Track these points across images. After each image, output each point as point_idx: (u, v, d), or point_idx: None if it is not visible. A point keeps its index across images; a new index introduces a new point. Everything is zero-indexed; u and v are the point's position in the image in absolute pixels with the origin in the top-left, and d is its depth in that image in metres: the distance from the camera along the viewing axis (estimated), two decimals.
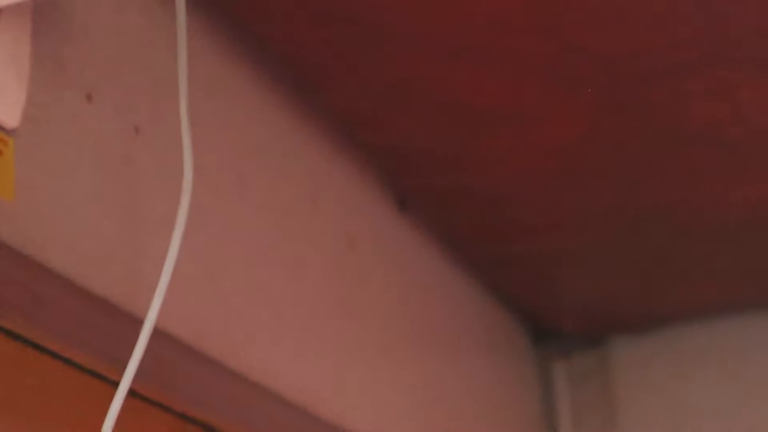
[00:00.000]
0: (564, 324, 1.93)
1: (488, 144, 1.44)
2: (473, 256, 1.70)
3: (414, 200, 1.46)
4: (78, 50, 0.97)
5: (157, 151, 1.01)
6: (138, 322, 0.87)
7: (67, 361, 0.90)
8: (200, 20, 1.14)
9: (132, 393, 0.84)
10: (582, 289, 1.84)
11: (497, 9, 1.17)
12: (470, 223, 1.62)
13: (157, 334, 0.88)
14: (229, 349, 1.11)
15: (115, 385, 0.83)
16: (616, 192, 1.57)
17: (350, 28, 1.19)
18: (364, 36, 1.21)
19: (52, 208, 0.91)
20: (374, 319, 1.41)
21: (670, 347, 2.11)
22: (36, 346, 0.87)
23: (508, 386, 1.78)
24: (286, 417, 1.20)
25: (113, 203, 0.98)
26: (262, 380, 1.16)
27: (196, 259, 1.05)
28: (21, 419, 0.87)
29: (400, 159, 1.45)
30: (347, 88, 1.31)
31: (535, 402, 1.99)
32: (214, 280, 1.11)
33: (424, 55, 1.24)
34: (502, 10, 1.18)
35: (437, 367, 1.60)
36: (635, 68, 1.30)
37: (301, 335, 1.27)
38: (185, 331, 1.04)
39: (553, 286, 1.82)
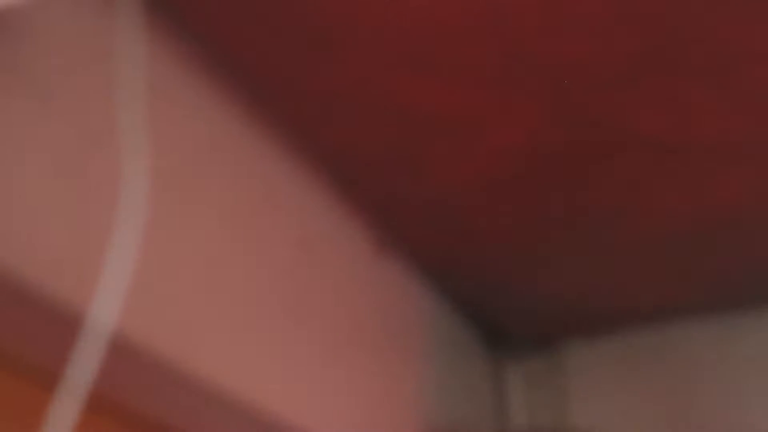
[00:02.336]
0: (516, 328, 1.94)
1: (435, 150, 1.44)
2: (425, 261, 1.71)
3: (367, 206, 1.46)
4: (32, 55, 0.97)
5: (110, 155, 1.00)
6: (85, 324, 0.87)
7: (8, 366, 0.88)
8: (155, 25, 1.14)
9: (78, 398, 0.84)
10: (534, 293, 1.84)
11: (444, 16, 1.18)
12: (421, 229, 1.63)
13: (106, 336, 0.88)
14: (180, 351, 1.10)
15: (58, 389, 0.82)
16: (564, 197, 1.58)
17: (298, 34, 1.20)
18: (312, 42, 1.22)
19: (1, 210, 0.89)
20: (325, 321, 1.43)
21: (623, 350, 2.11)
22: None
23: (461, 389, 1.78)
24: (235, 417, 1.22)
25: (65, 206, 0.98)
26: (213, 381, 1.16)
27: (149, 261, 1.03)
28: None
29: (348, 164, 1.45)
30: (295, 93, 1.32)
31: (488, 404, 1.99)
32: (166, 282, 1.11)
33: (370, 61, 1.25)
34: (449, 18, 1.18)
35: (389, 369, 1.61)
36: (582, 76, 1.31)
37: (253, 336, 1.28)
38: (135, 332, 1.03)
39: (505, 290, 1.82)
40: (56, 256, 0.95)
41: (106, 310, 0.85)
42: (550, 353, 2.07)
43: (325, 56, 1.28)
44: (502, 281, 1.75)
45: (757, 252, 1.74)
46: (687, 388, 2.06)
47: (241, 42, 1.24)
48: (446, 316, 1.77)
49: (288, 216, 1.38)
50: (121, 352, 0.99)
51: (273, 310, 1.31)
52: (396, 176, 1.48)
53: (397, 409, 1.62)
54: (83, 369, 0.84)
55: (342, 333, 1.45)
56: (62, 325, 0.92)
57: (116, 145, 0.95)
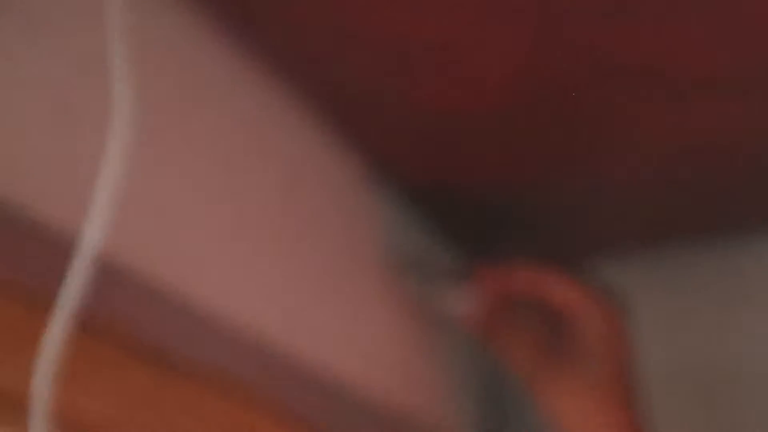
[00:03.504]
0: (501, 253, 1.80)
1: (420, 82, 1.42)
2: (414, 190, 1.69)
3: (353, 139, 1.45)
4: None
5: (100, 85, 0.99)
6: (76, 247, 0.89)
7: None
8: None
9: (70, 320, 0.86)
10: (521, 220, 1.80)
11: None
12: (408, 159, 1.61)
13: (96, 258, 0.90)
14: (169, 272, 1.14)
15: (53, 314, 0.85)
16: (550, 126, 1.54)
17: None
18: None
19: None
20: (312, 246, 1.47)
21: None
22: None
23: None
24: (222, 337, 1.25)
25: (57, 133, 1.01)
26: (203, 303, 1.20)
27: (137, 185, 1.04)
28: None
29: (333, 99, 1.44)
30: (283, 31, 1.32)
31: None
32: (156, 205, 1.14)
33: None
34: None
35: (379, 290, 1.63)
36: (569, 3, 1.27)
37: (240, 257, 1.31)
38: (128, 256, 1.08)
39: (490, 214, 1.76)
40: (48, 180, 0.98)
41: (96, 232, 0.87)
42: None
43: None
44: (488, 204, 1.71)
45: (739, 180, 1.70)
46: (680, 309, 1.95)
47: None
48: (431, 240, 1.73)
49: (277, 142, 1.40)
50: (111, 275, 1.01)
51: (262, 234, 1.34)
52: (383, 109, 1.48)
53: (392, 332, 1.61)
54: (75, 291, 0.86)
55: (329, 258, 1.48)
56: (53, 247, 0.95)
57: (106, 75, 0.94)
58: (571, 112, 1.49)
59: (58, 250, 0.94)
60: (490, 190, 1.66)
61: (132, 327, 1.07)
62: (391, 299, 1.58)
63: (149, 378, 1.09)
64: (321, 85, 1.42)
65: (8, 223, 0.93)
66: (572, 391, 1.57)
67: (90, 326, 0.95)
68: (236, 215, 1.28)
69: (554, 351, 1.60)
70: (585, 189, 1.68)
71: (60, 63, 1.03)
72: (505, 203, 1.70)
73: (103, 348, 1.02)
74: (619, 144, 1.57)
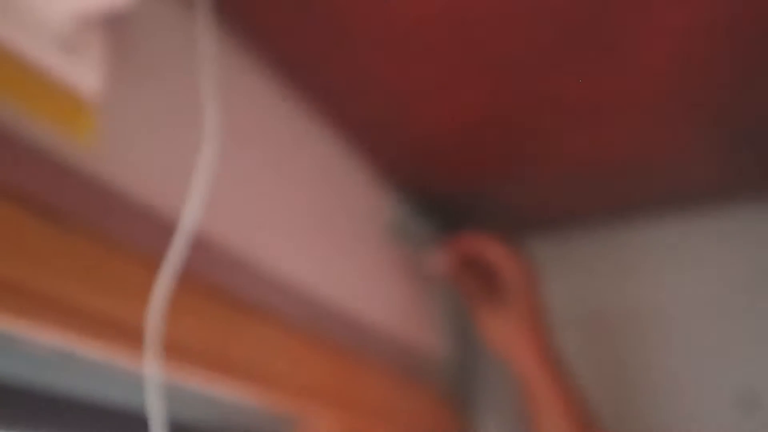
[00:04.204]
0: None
1: (412, 109, 1.36)
2: (411, 190, 1.63)
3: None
4: (135, 45, 0.97)
5: (196, 115, 0.97)
6: (179, 223, 0.90)
7: (120, 251, 0.91)
8: (224, 24, 1.14)
9: (174, 276, 0.86)
10: (496, 204, 1.70)
11: (419, 11, 1.12)
12: (408, 165, 1.53)
13: (193, 232, 0.92)
14: (246, 243, 1.14)
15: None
16: (510, 141, 1.47)
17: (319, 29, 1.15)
18: (334, 41, 1.17)
19: (123, 148, 0.93)
20: (338, 226, 1.42)
21: (562, 247, 1.88)
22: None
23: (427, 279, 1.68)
24: (283, 289, 1.21)
25: (169, 146, 1.00)
26: (273, 267, 1.19)
27: (223, 177, 1.07)
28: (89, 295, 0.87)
29: (354, 124, 1.39)
30: (318, 73, 1.26)
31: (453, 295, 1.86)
32: (236, 193, 1.13)
33: (362, 52, 1.20)
34: (423, 9, 1.12)
35: (377, 257, 1.57)
36: (515, 59, 1.24)
37: (292, 233, 1.27)
38: (214, 230, 1.07)
39: (472, 201, 1.69)
40: (161, 177, 0.98)
41: (193, 211, 0.88)
42: None
43: (340, 53, 1.19)
44: (456, 198, 1.65)
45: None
46: (586, 271, 1.85)
47: (282, 34, 1.16)
48: (418, 221, 1.69)
49: (313, 155, 1.36)
50: (203, 241, 1.03)
51: (303, 216, 1.31)
52: (389, 134, 1.43)
53: (391, 280, 1.58)
54: (178, 253, 0.86)
55: (350, 233, 1.44)
56: (163, 221, 0.96)
57: (199, 109, 0.94)
58: (517, 135, 1.46)
59: (167, 223, 0.96)
60: (458, 188, 1.63)
61: (215, 280, 1.07)
62: (391, 259, 1.60)
63: (227, 318, 1.08)
64: (346, 114, 1.39)
65: (132, 207, 0.94)
66: (500, 320, 1.60)
67: (186, 279, 0.96)
68: (284, 201, 1.27)
69: (490, 293, 1.64)
70: (522, 186, 1.65)
71: (168, 94, 1.02)
72: (467, 198, 1.66)
73: (195, 295, 1.02)
74: (546, 157, 1.54)
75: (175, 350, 0.96)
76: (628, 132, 1.45)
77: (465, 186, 1.62)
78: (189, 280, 0.98)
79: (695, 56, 1.24)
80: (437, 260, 1.61)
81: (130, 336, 0.88)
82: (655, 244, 1.82)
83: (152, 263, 0.90)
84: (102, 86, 0.88)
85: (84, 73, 0.85)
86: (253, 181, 1.19)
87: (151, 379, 0.81)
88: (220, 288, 1.08)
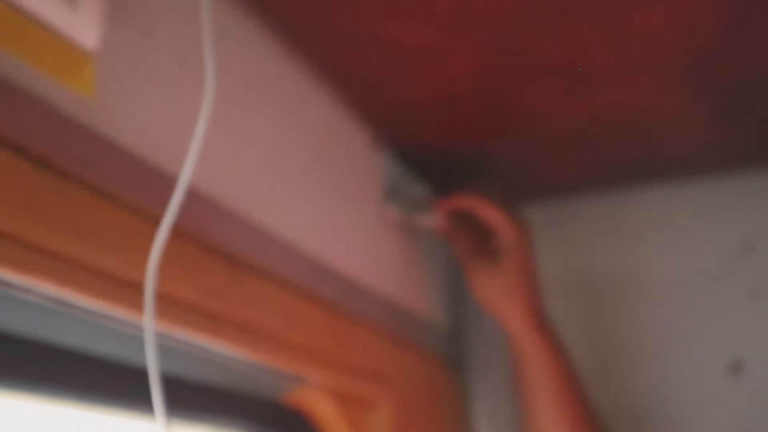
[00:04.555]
0: None
1: (413, 73, 1.36)
2: (409, 154, 1.63)
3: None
4: None
5: (194, 69, 0.99)
6: (177, 180, 0.89)
7: (117, 204, 0.90)
8: None
9: (171, 230, 0.85)
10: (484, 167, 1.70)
11: None
12: (403, 128, 1.53)
13: (190, 189, 0.91)
14: (243, 200, 1.13)
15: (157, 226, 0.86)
16: (503, 105, 1.49)
17: None
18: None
19: (121, 101, 0.92)
20: (332, 185, 1.42)
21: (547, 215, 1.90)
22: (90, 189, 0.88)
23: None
24: (279, 247, 1.21)
25: (168, 103, 0.99)
26: (270, 225, 1.19)
27: (221, 135, 1.08)
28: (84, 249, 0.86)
29: (353, 84, 1.39)
30: (319, 35, 1.26)
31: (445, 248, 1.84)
32: (229, 153, 1.13)
33: (367, 11, 1.18)
34: None
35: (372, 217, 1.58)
36: (512, 21, 1.23)
37: (286, 191, 1.27)
38: (211, 186, 1.07)
39: (462, 166, 1.69)
40: (160, 131, 0.98)
41: (189, 167, 0.87)
42: None
43: (339, 15, 1.19)
44: (450, 161, 1.65)
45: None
46: (577, 238, 1.88)
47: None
48: (415, 181, 1.68)
49: (311, 113, 1.36)
50: (199, 197, 1.03)
51: (301, 177, 1.31)
52: (386, 94, 1.43)
53: (387, 241, 1.59)
54: (174, 208, 0.85)
55: (348, 194, 1.45)
56: (161, 175, 0.96)
57: (199, 65, 0.94)
58: (510, 99, 1.47)
59: (165, 177, 0.97)
60: (453, 150, 1.63)
61: (212, 236, 1.07)
62: (387, 220, 1.59)
63: (223, 274, 1.08)
64: (344, 76, 1.39)
65: (130, 160, 0.93)
66: (493, 279, 1.62)
67: (183, 234, 0.98)
68: (281, 160, 1.28)
69: (484, 252, 1.65)
70: (515, 151, 1.66)
71: (168, 50, 1.02)
72: (461, 160, 1.66)
73: (191, 250, 1.02)
74: (538, 122, 1.55)
75: (172, 305, 0.96)
76: (619, 98, 1.46)
77: (459, 148, 1.62)
78: (187, 236, 0.99)
79: (686, 21, 1.24)
80: (432, 218, 1.61)
81: (128, 290, 0.88)
82: (645, 212, 1.85)
83: (150, 217, 0.90)
84: (101, 39, 0.87)
85: (83, 26, 0.83)
86: (250, 139, 1.19)
87: (149, 333, 0.80)
88: (217, 244, 1.08)
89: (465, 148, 1.62)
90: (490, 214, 1.61)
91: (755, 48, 1.32)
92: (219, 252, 1.08)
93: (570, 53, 1.31)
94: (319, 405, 1.42)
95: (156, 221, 0.86)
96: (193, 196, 0.98)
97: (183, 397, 1.13)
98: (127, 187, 0.91)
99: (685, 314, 1.78)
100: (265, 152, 1.23)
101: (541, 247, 1.74)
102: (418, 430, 1.60)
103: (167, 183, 0.92)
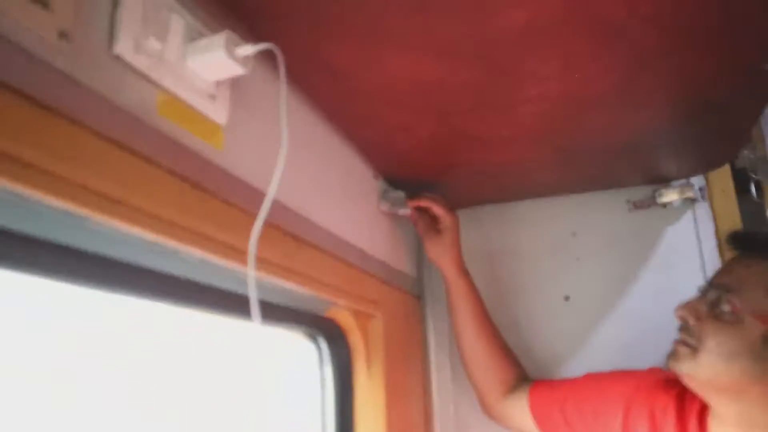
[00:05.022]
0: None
1: (392, 136, 1.31)
2: (383, 168, 1.52)
3: None
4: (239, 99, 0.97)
5: (276, 131, 0.97)
6: (264, 193, 0.90)
7: (233, 207, 0.91)
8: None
9: (263, 222, 0.86)
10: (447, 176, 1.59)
11: None
12: (380, 148, 1.39)
13: (274, 198, 0.92)
14: (301, 204, 1.13)
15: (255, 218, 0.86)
16: (444, 156, 1.44)
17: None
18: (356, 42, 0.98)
19: (237, 151, 0.92)
20: (345, 198, 1.38)
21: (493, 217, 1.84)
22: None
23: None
24: (322, 231, 1.20)
25: (262, 149, 0.97)
26: (313, 216, 1.17)
27: (289, 169, 1.06)
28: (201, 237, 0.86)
29: (345, 115, 1.24)
30: (323, 75, 1.08)
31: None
32: (296, 177, 1.13)
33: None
34: None
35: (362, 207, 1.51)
36: (451, 108, 1.19)
37: (329, 200, 1.26)
38: (284, 197, 1.06)
39: (428, 172, 1.56)
40: (258, 168, 0.96)
41: (274, 187, 0.88)
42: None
43: (350, 106, 1.16)
44: (416, 180, 1.58)
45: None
46: (490, 227, 1.85)
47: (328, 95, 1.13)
48: (396, 190, 1.59)
49: (335, 159, 1.32)
50: (277, 203, 1.03)
51: (331, 191, 1.28)
52: (382, 148, 1.40)
53: (377, 223, 1.54)
54: (265, 209, 0.84)
55: (352, 197, 1.41)
56: (257, 193, 0.94)
57: (277, 132, 0.93)
58: (451, 152, 1.40)
59: (258, 191, 0.95)
60: (418, 178, 1.54)
61: (286, 225, 1.07)
62: (381, 213, 1.56)
63: (293, 246, 1.08)
64: (357, 139, 1.35)
65: (241, 182, 0.92)
66: (438, 247, 1.59)
67: (268, 222, 0.95)
68: (322, 183, 1.24)
69: (434, 231, 1.60)
70: (454, 180, 1.59)
71: (262, 122, 1.00)
72: (424, 182, 1.59)
73: (271, 234, 1.00)
74: (468, 166, 1.49)
75: (262, 261, 0.97)
76: (508, 155, 1.42)
77: (422, 176, 1.56)
78: (270, 224, 0.98)
79: (545, 113, 1.21)
80: (406, 210, 1.58)
81: (237, 255, 0.88)
82: (520, 215, 1.80)
83: (249, 213, 0.90)
84: (228, 117, 0.89)
85: (219, 111, 0.87)
86: (304, 171, 1.17)
87: (251, 277, 0.81)
88: (288, 230, 1.07)
89: (425, 177, 1.57)
90: (438, 209, 1.58)
91: (580, 129, 1.30)
92: (290, 234, 1.08)
93: (482, 128, 1.28)
94: (344, 317, 1.44)
95: (252, 216, 0.86)
96: (275, 202, 0.98)
97: (266, 312, 1.13)
98: (237, 197, 0.91)
99: (540, 270, 1.77)
100: (314, 178, 1.20)
101: (466, 233, 1.75)
102: (398, 333, 1.59)
103: (259, 195, 0.92)
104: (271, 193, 0.85)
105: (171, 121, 0.76)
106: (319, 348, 1.49)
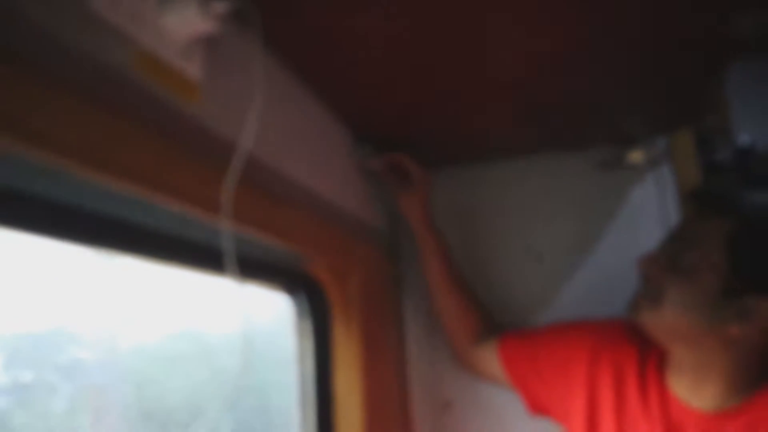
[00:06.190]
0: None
1: (370, 91, 1.28)
2: (357, 123, 1.46)
3: None
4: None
5: (250, 86, 0.96)
6: (238, 145, 0.89)
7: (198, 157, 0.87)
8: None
9: (235, 178, 0.85)
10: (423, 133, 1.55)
11: None
12: (357, 104, 1.35)
13: (247, 152, 0.91)
14: (276, 159, 1.09)
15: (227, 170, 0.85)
16: (418, 110, 1.39)
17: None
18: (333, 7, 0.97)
19: (214, 103, 0.90)
20: (321, 154, 1.36)
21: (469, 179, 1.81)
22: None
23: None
24: (298, 187, 1.18)
25: (233, 99, 0.93)
26: (290, 173, 1.13)
27: (264, 123, 1.02)
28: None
29: (322, 79, 1.22)
30: (306, 47, 1.09)
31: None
32: (272, 132, 1.09)
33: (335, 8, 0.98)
34: None
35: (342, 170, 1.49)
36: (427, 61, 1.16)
37: (306, 154, 1.23)
38: (261, 154, 1.03)
39: (403, 129, 1.51)
40: (233, 119, 0.93)
41: (248, 139, 0.88)
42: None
43: (341, 62, 1.12)
44: (391, 136, 1.53)
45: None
46: (460, 185, 1.81)
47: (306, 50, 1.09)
48: (369, 147, 1.55)
49: (311, 119, 1.29)
50: (252, 159, 0.98)
51: (309, 146, 1.25)
52: (359, 109, 1.38)
53: (352, 176, 1.51)
54: (238, 163, 0.86)
55: (329, 153, 1.39)
56: (225, 144, 0.91)
57: (251, 82, 0.94)
58: (422, 110, 1.39)
59: (227, 145, 0.91)
60: (392, 133, 1.50)
61: (261, 181, 1.05)
62: (354, 168, 1.52)
63: (268, 203, 1.07)
64: (336, 101, 1.33)
65: (215, 133, 0.89)
66: (408, 201, 1.59)
67: (245, 179, 0.93)
68: (300, 137, 1.21)
69: (404, 186, 1.60)
70: (425, 139, 1.57)
71: (238, 79, 0.97)
72: (399, 137, 1.53)
73: (247, 190, 0.98)
74: (441, 123, 1.47)
75: (238, 216, 0.92)
76: (481, 113, 1.41)
77: (396, 134, 1.52)
78: (244, 181, 0.93)
79: (526, 68, 1.19)
80: (378, 165, 1.55)
81: (210, 207, 0.87)
82: (487, 175, 1.78)
83: (222, 169, 0.87)
84: (203, 74, 0.87)
85: (194, 67, 0.84)
86: (282, 126, 1.13)
87: (226, 229, 0.81)
88: (262, 186, 1.05)
89: (398, 134, 1.52)
90: (409, 165, 1.58)
91: (547, 88, 1.28)
92: (266, 189, 1.05)
93: (453, 86, 1.25)
94: (321, 272, 1.45)
95: (226, 166, 0.85)
96: (250, 158, 0.94)
97: (244, 266, 1.05)
98: (213, 151, 0.88)
99: (510, 228, 1.75)
100: (289, 135, 1.16)
101: (437, 193, 1.74)
102: (375, 287, 1.59)
103: (231, 146, 0.89)
104: (245, 143, 0.85)
105: (147, 77, 0.74)
106: (298, 303, 1.50)
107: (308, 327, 1.45)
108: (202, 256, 1.05)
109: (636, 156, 1.66)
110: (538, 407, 1.42)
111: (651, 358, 1.24)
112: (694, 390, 1.15)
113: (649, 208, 1.65)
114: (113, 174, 0.73)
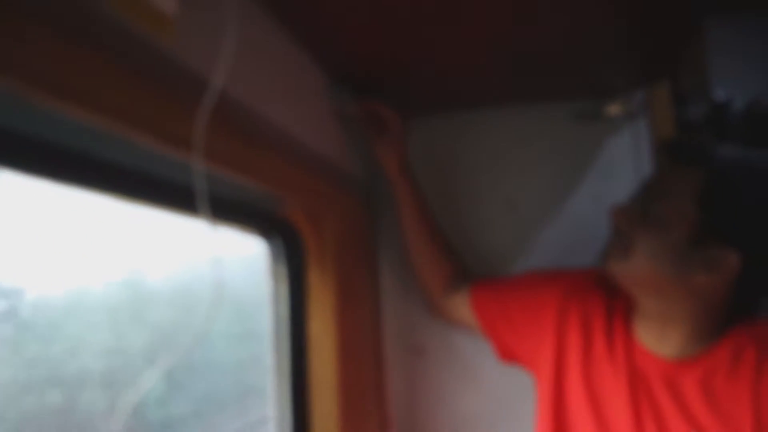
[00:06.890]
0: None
1: (351, 35, 1.26)
2: (343, 74, 1.46)
3: None
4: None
5: (223, 21, 0.95)
6: (210, 85, 0.88)
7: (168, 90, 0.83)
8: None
9: (206, 116, 0.84)
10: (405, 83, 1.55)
11: None
12: (345, 55, 1.36)
13: (219, 90, 0.89)
14: (252, 98, 1.08)
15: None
16: (419, 30, 1.28)
17: None
18: None
19: (189, 39, 0.88)
20: (304, 98, 1.36)
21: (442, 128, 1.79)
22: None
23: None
24: (272, 128, 1.15)
25: (205, 33, 0.91)
26: (265, 113, 1.11)
27: (239, 60, 0.99)
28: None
29: (316, 33, 1.25)
30: (302, 8, 1.14)
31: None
32: (247, 69, 1.07)
33: None
34: None
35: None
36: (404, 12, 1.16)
37: (282, 96, 1.21)
38: (236, 93, 1.01)
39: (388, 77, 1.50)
40: (206, 52, 0.91)
41: (220, 77, 0.87)
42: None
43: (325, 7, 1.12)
44: (369, 81, 1.51)
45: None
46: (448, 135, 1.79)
47: None
48: (346, 93, 1.53)
49: (290, 63, 1.28)
50: (223, 97, 0.95)
51: (285, 86, 1.24)
52: (336, 55, 1.36)
53: (332, 123, 1.51)
54: (209, 101, 0.84)
55: (309, 100, 1.39)
56: (197, 82, 0.88)
57: (223, 21, 0.92)
58: (404, 57, 1.37)
59: (200, 82, 0.89)
60: (370, 78, 1.49)
61: (236, 119, 1.01)
62: (332, 114, 1.50)
63: (241, 142, 1.03)
64: (318, 47, 1.32)
65: (187, 66, 0.87)
66: (384, 147, 1.58)
67: (219, 117, 0.91)
68: (277, 74, 1.20)
69: (381, 132, 1.59)
70: (404, 84, 1.56)
71: (210, 13, 0.95)
72: (375, 83, 1.52)
73: (221, 129, 0.95)
74: (419, 68, 1.44)
75: (211, 154, 0.92)
76: (460, 58, 1.39)
77: (374, 79, 1.49)
78: (215, 120, 0.90)
79: (504, 12, 1.19)
80: (356, 111, 1.55)
81: (183, 145, 0.85)
82: (467, 124, 1.77)
83: (195, 108, 0.86)
84: (178, 9, 0.85)
85: (167, 1, 0.83)
86: (253, 69, 1.10)
87: (197, 168, 0.80)
88: (237, 126, 1.01)
89: (376, 80, 1.48)
90: (385, 112, 1.56)
91: (526, 33, 1.26)
92: (240, 128, 1.02)
93: (432, 30, 1.24)
94: (298, 217, 1.47)
95: (199, 103, 0.84)
96: (225, 96, 0.93)
97: (218, 208, 1.04)
98: (187, 87, 0.86)
99: (486, 177, 1.75)
100: (266, 76, 1.14)
101: (414, 142, 1.73)
102: (350, 233, 1.58)
103: (204, 82, 0.86)
104: (218, 79, 0.84)
105: (120, 8, 0.73)
106: (273, 247, 1.50)
107: (283, 271, 1.46)
108: (175, 194, 1.05)
109: (614, 109, 1.66)
110: (507, 354, 1.43)
111: (619, 306, 1.25)
112: (658, 338, 1.16)
113: (624, 160, 1.65)
114: (82, 106, 0.71)
